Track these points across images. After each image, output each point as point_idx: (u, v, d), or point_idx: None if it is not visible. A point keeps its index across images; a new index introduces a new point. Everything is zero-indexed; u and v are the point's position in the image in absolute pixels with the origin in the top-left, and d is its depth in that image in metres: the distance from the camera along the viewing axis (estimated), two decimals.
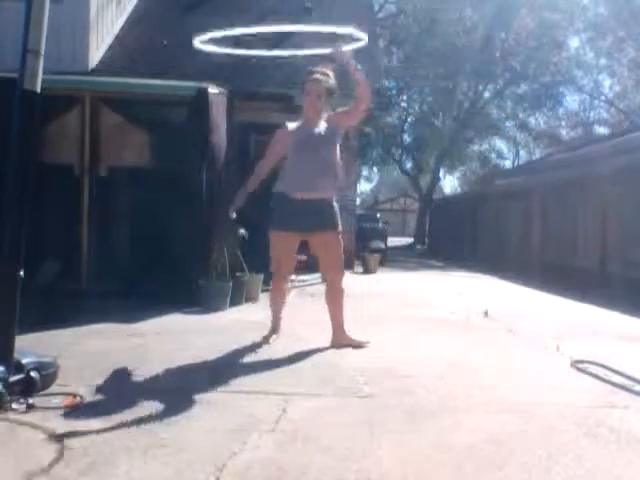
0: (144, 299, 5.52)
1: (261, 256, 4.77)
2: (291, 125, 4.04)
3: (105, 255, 6.54)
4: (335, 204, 4.07)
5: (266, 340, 4.08)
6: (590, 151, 10.25)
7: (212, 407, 2.70)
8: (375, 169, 35.42)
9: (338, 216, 4.05)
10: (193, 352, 3.81)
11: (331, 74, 3.99)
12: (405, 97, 25.47)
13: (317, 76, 3.92)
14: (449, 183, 35.55)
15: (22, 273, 2.73)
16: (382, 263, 11.49)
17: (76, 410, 2.62)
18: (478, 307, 6.00)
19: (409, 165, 29.90)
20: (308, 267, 8.21)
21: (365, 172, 34.71)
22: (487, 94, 24.47)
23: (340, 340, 4.01)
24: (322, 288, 7.51)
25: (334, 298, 4.08)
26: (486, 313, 5.63)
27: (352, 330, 4.16)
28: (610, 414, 2.71)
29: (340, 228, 4.06)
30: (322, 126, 3.97)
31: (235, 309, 5.65)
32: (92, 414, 2.56)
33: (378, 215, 21.21)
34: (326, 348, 3.97)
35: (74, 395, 2.76)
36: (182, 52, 10.04)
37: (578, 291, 7.48)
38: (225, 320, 5.11)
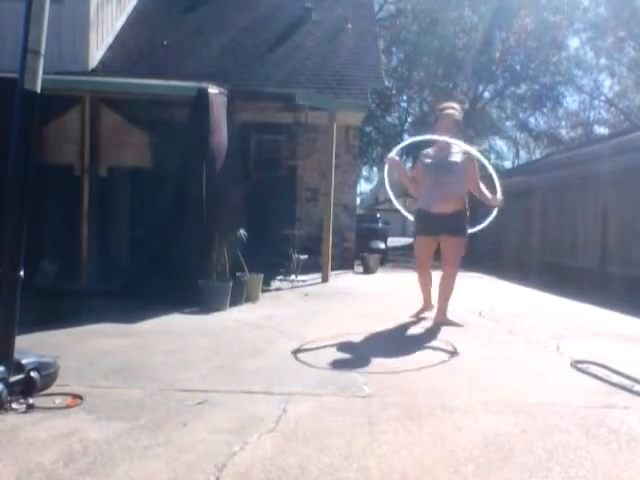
0: (144, 299, 5.52)
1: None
2: (427, 151, 5.03)
3: (105, 255, 6.55)
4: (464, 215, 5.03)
5: (417, 315, 5.09)
6: (590, 151, 10.23)
7: (212, 407, 2.71)
8: (375, 169, 35.37)
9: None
10: (192, 352, 3.82)
11: (458, 107, 5.05)
12: (405, 97, 25.44)
13: (449, 111, 4.89)
14: None
15: (22, 273, 2.73)
16: (382, 263, 11.49)
17: (76, 410, 2.62)
18: (478, 307, 6.00)
19: (409, 165, 29.78)
20: (309, 267, 8.24)
21: (365, 172, 34.68)
22: (487, 94, 24.45)
23: (439, 320, 4.86)
24: (318, 288, 7.52)
25: (444, 287, 4.94)
26: (480, 313, 5.67)
27: (352, 330, 4.13)
28: (610, 414, 2.71)
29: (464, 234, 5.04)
30: (454, 154, 4.89)
31: (235, 309, 5.65)
32: (92, 414, 2.56)
33: (378, 215, 21.18)
34: (325, 348, 3.98)
35: (74, 395, 2.76)
36: (182, 52, 10.08)
37: (578, 291, 7.47)
38: (225, 320, 5.11)
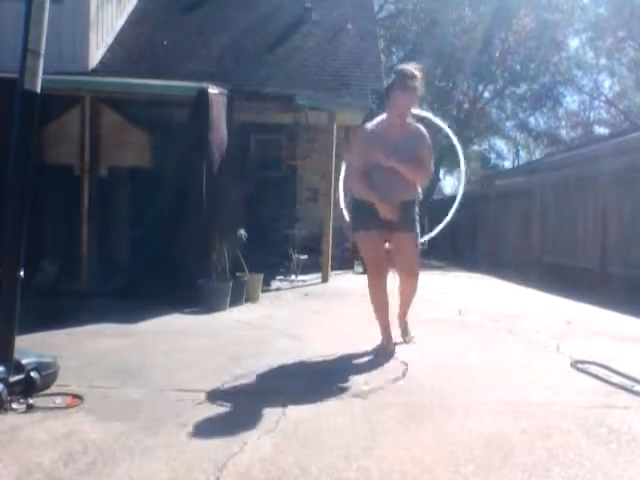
0: (144, 299, 5.52)
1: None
2: (371, 127, 3.94)
3: (105, 255, 6.55)
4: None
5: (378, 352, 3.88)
6: (590, 151, 10.25)
7: (212, 407, 2.71)
8: None
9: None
10: (192, 352, 3.82)
11: (419, 76, 3.75)
12: None
13: (414, 84, 3.72)
14: (449, 183, 35.38)
15: (22, 273, 2.74)
16: None
17: (76, 410, 2.62)
18: (478, 307, 6.00)
19: None
20: (309, 267, 8.24)
21: None
22: (487, 94, 24.43)
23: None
24: (319, 288, 7.53)
25: (409, 293, 4.19)
26: (480, 313, 5.65)
27: (352, 329, 4.16)
28: (610, 414, 2.71)
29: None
30: (408, 134, 3.87)
31: (235, 309, 5.65)
32: (92, 414, 2.56)
33: None
34: (325, 348, 3.97)
35: (74, 395, 2.76)
36: (182, 52, 10.07)
37: (578, 291, 7.47)
38: (225, 320, 5.11)
